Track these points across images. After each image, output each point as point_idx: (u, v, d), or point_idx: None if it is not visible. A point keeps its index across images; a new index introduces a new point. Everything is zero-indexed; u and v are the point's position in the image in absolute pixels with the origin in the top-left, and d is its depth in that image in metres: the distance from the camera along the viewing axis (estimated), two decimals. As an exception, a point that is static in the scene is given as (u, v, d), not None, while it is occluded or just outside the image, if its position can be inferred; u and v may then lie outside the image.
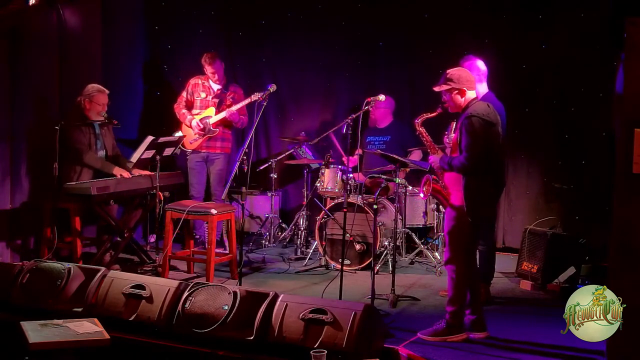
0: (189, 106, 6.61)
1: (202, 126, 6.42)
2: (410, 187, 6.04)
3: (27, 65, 5.88)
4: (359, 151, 6.50)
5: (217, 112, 6.47)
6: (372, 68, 7.19)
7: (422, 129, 4.53)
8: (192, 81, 6.66)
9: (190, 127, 6.50)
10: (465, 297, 4.22)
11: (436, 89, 4.28)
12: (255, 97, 6.15)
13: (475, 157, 4.02)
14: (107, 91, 5.81)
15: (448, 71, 4.24)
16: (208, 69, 6.52)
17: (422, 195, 4.38)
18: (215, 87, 6.60)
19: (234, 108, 6.40)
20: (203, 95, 6.59)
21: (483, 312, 4.29)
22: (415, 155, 6.34)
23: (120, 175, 5.64)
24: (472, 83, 4.24)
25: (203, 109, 6.55)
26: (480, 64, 5.07)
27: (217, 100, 6.54)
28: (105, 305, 4.31)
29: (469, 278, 4.22)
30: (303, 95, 7.51)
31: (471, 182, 4.08)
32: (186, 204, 5.66)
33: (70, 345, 3.62)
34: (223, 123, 6.52)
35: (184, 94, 6.64)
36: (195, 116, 6.49)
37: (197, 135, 6.44)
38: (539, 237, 5.59)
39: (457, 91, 4.19)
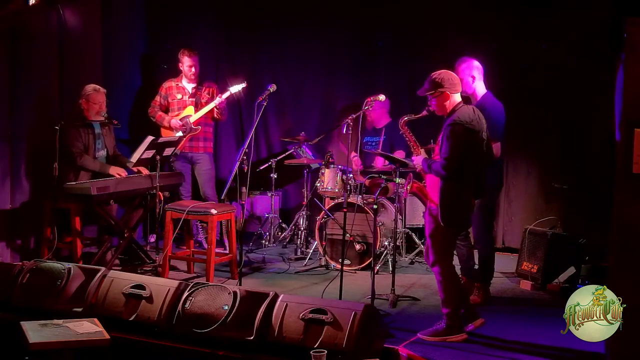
0: (164, 110, 6.64)
1: (182, 123, 6.43)
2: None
3: (27, 65, 5.88)
4: (354, 154, 6.49)
5: (197, 110, 6.49)
6: (372, 68, 7.19)
7: (405, 129, 4.54)
8: (165, 85, 6.67)
9: (170, 127, 6.51)
10: (458, 296, 4.24)
11: (420, 93, 4.28)
12: (235, 89, 6.35)
13: (452, 166, 4.01)
14: (103, 90, 5.81)
15: (432, 75, 4.22)
16: (187, 61, 6.53)
17: (404, 190, 4.40)
18: (190, 86, 6.61)
19: (224, 96, 6.42)
20: (179, 96, 6.60)
21: (470, 303, 4.38)
22: (398, 155, 6.31)
23: (117, 174, 5.64)
24: (457, 86, 4.21)
25: (181, 109, 6.56)
26: (477, 64, 5.07)
27: (193, 100, 6.56)
28: (105, 305, 4.31)
29: (455, 277, 4.26)
30: (303, 95, 7.51)
31: (448, 187, 4.08)
32: (186, 204, 5.67)
33: (70, 345, 3.62)
34: (204, 120, 6.53)
35: (158, 98, 6.65)
36: (174, 117, 6.51)
37: (180, 132, 6.44)
38: (539, 237, 5.59)
39: (441, 95, 4.17)
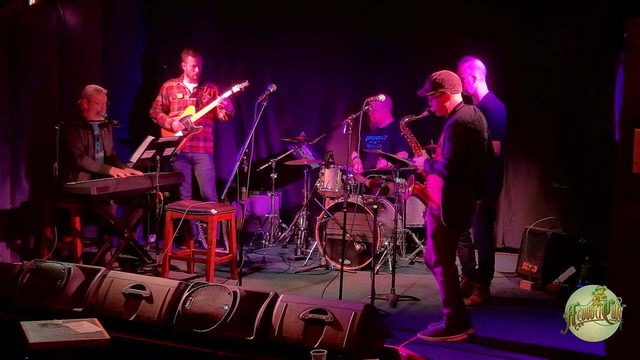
0: (165, 110, 6.63)
1: (183, 126, 6.43)
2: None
3: (27, 65, 5.88)
4: (354, 155, 6.49)
5: (197, 110, 6.49)
6: (372, 68, 7.19)
7: (406, 130, 4.55)
8: (166, 84, 6.67)
9: (171, 129, 6.50)
10: (459, 296, 4.24)
11: (420, 94, 4.28)
12: (236, 88, 6.36)
13: (454, 165, 4.01)
14: (105, 90, 5.81)
15: (432, 75, 4.22)
16: (190, 61, 6.53)
17: (406, 192, 4.40)
18: (191, 86, 6.61)
19: (224, 95, 6.41)
20: (180, 95, 6.60)
21: (466, 310, 4.32)
22: (401, 155, 6.32)
23: (117, 175, 5.64)
24: (457, 87, 4.20)
25: (182, 109, 6.56)
26: (479, 64, 5.07)
27: (194, 99, 6.56)
28: (105, 305, 4.31)
29: (456, 277, 4.26)
30: (303, 95, 7.51)
31: (450, 187, 4.07)
32: (186, 204, 5.67)
33: (70, 345, 3.62)
34: (204, 120, 6.53)
35: (159, 98, 6.65)
36: (174, 117, 6.51)
37: (181, 133, 6.44)
38: (539, 237, 5.59)
39: (441, 95, 4.17)
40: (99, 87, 5.80)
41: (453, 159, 4.01)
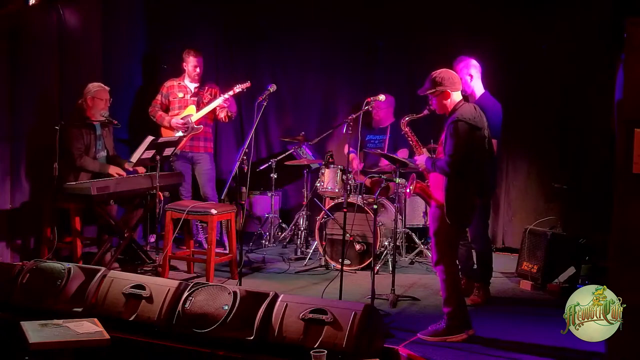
0: (164, 109, 6.62)
1: (183, 122, 6.42)
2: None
3: (27, 66, 5.88)
4: (351, 149, 6.49)
5: (198, 110, 6.49)
6: (371, 68, 7.19)
7: (407, 129, 4.55)
8: (167, 84, 6.66)
9: (170, 127, 6.50)
10: (460, 295, 4.23)
11: (420, 92, 4.28)
12: (238, 88, 6.34)
13: (457, 162, 4.02)
14: (107, 88, 5.83)
15: (432, 74, 4.23)
16: (192, 61, 6.53)
17: (408, 190, 4.40)
18: (192, 86, 6.61)
19: (226, 95, 6.41)
20: (180, 95, 6.59)
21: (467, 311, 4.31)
22: (402, 153, 6.33)
23: (117, 174, 5.65)
24: (457, 85, 4.22)
25: (182, 108, 6.55)
26: (475, 62, 5.07)
27: (195, 99, 6.56)
28: (105, 305, 4.31)
29: (458, 276, 4.26)
30: (303, 95, 7.51)
31: (452, 184, 4.08)
32: (186, 204, 5.67)
33: (70, 345, 3.62)
34: (204, 120, 6.53)
35: (159, 97, 6.64)
36: (174, 116, 6.51)
37: (181, 132, 6.43)
38: (539, 237, 5.59)
39: (441, 94, 4.18)
40: (102, 84, 5.82)
41: (455, 156, 4.01)
